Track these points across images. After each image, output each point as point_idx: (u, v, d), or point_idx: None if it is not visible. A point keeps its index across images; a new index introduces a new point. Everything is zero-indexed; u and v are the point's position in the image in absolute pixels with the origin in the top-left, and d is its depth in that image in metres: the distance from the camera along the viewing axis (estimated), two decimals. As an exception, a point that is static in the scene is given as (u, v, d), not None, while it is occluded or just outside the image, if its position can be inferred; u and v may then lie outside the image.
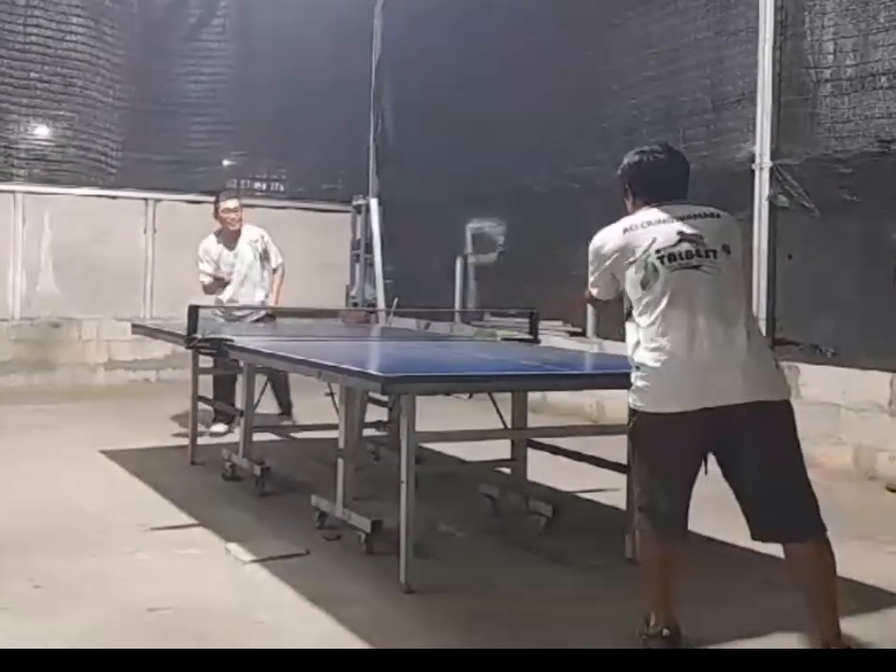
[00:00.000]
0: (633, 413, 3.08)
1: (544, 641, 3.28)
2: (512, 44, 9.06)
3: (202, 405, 6.32)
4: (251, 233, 7.23)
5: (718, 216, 3.16)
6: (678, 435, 2.96)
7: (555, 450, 4.77)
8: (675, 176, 3.24)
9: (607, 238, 3.20)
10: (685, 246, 3.03)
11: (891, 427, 5.90)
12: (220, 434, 6.73)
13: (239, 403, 6.29)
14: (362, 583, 3.87)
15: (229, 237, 7.15)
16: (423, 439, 4.07)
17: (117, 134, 10.10)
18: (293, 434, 6.46)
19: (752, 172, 6.77)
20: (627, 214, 3.25)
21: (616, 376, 4.55)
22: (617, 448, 4.25)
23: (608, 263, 3.17)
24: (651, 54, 7.73)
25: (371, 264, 10.27)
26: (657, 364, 2.95)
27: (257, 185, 11.06)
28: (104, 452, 6.25)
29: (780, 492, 2.95)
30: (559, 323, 8.36)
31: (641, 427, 3.06)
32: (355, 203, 10.67)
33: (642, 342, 3.02)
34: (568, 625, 3.46)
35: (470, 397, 6.06)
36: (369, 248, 10.26)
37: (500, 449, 5.10)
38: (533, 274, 8.58)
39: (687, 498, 3.04)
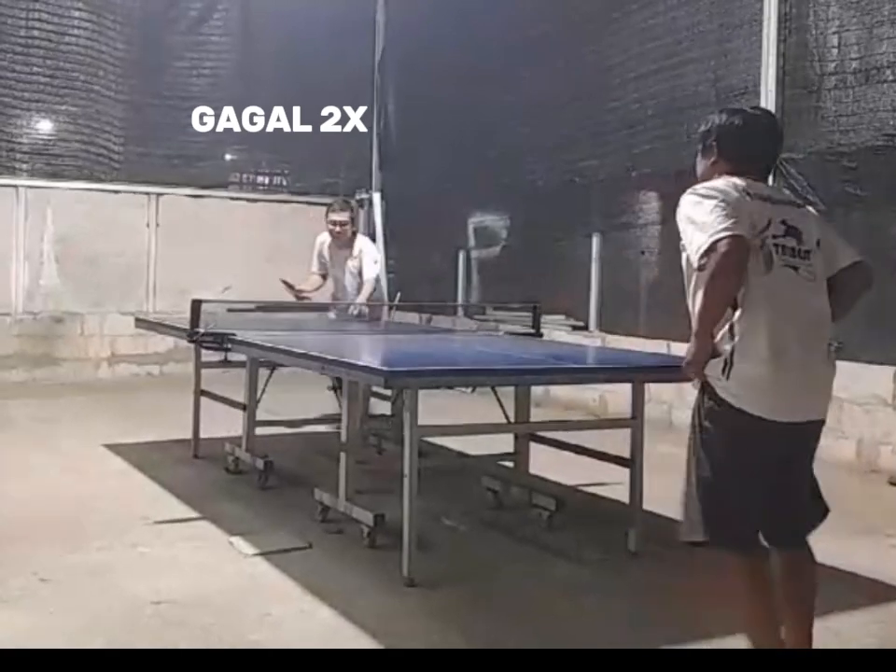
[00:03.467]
0: (716, 404, 2.68)
1: (547, 635, 3.28)
2: (515, 38, 9.05)
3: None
4: (354, 250, 6.91)
5: (808, 207, 2.89)
6: (767, 442, 2.69)
7: (558, 444, 4.76)
8: (773, 151, 2.91)
9: (723, 189, 2.66)
10: (791, 242, 2.69)
11: (894, 421, 5.90)
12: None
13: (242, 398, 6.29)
14: (365, 576, 3.88)
15: (335, 246, 6.94)
16: (425, 433, 4.07)
17: (119, 129, 10.11)
18: (296, 428, 6.46)
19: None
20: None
21: (618, 370, 4.58)
22: (619, 442, 4.25)
23: (742, 206, 2.61)
24: (654, 47, 7.72)
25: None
26: (758, 365, 2.60)
27: (259, 179, 11.06)
28: (107, 445, 6.26)
29: (803, 501, 2.89)
30: (562, 317, 8.36)
31: (731, 424, 2.67)
32: (358, 197, 10.66)
33: (748, 332, 2.61)
34: (571, 619, 3.46)
35: (473, 391, 6.06)
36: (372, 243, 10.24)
37: (503, 443, 5.10)
38: (535, 268, 8.58)
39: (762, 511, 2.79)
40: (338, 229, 6.80)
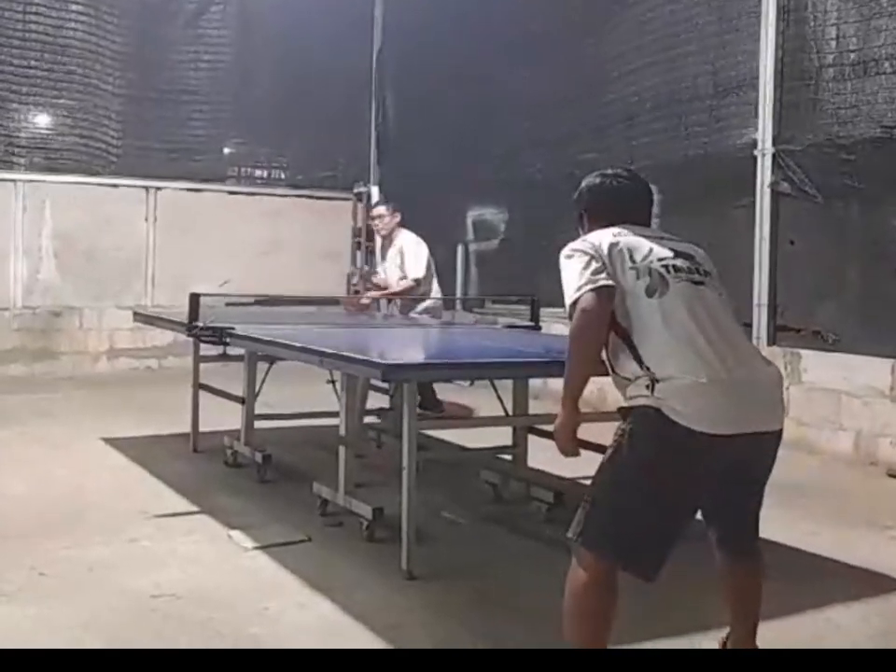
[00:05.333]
0: (642, 416, 2.55)
1: (546, 629, 3.28)
2: (514, 32, 9.04)
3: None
4: (398, 243, 7.14)
5: (697, 244, 2.83)
6: (701, 458, 2.52)
7: (557, 437, 4.76)
8: (640, 205, 2.90)
9: (596, 238, 2.70)
10: (682, 262, 2.67)
11: (892, 413, 5.90)
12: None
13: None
14: (364, 570, 3.88)
15: (382, 242, 7.34)
16: (424, 426, 4.07)
17: (117, 122, 10.10)
18: (294, 422, 6.46)
19: (754, 158, 6.75)
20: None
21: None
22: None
23: (604, 258, 2.62)
24: (652, 40, 7.71)
25: (372, 252, 10.26)
26: (685, 376, 2.48)
27: (257, 173, 11.05)
28: (106, 440, 6.26)
29: (749, 520, 2.80)
30: (560, 310, 8.33)
31: (657, 437, 2.52)
32: (356, 190, 10.66)
33: (658, 359, 2.53)
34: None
35: (472, 384, 6.06)
36: (370, 236, 10.26)
37: (502, 436, 5.10)
38: (534, 262, 8.57)
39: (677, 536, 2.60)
40: (376, 223, 7.24)
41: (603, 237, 2.70)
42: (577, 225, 2.97)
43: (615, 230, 2.74)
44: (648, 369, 2.54)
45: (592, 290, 2.56)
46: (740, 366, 2.56)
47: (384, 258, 7.31)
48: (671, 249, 2.71)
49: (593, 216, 2.88)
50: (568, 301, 2.62)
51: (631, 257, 2.64)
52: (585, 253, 2.65)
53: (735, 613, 2.85)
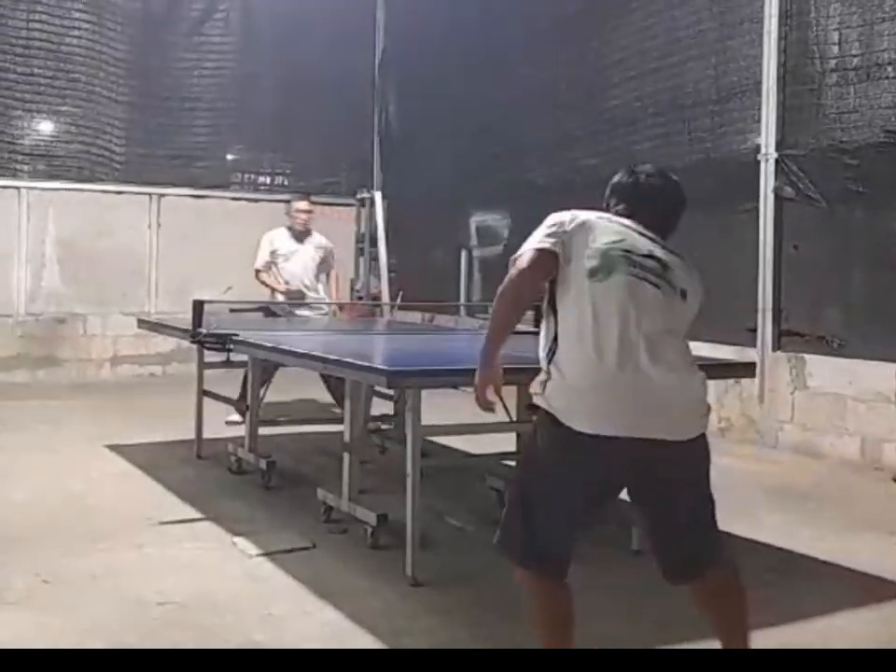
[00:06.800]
0: (541, 417, 2.59)
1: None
2: (517, 37, 9.04)
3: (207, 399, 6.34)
4: (319, 240, 7.53)
5: (688, 262, 2.70)
6: (592, 457, 2.50)
7: (561, 442, 4.75)
8: (656, 206, 2.76)
9: (578, 214, 2.67)
10: (651, 263, 2.59)
11: (898, 418, 5.90)
12: (238, 423, 6.67)
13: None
14: (368, 576, 3.87)
15: (297, 234, 7.46)
16: (428, 432, 4.06)
17: (120, 130, 10.11)
18: (298, 428, 6.46)
19: (758, 163, 6.75)
20: None
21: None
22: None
23: (567, 231, 2.60)
24: (654, 45, 7.71)
25: (375, 258, 10.24)
26: (582, 372, 2.50)
27: (260, 179, 11.06)
28: (109, 446, 6.26)
29: (686, 528, 2.65)
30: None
31: (551, 436, 2.55)
32: (359, 196, 10.65)
33: (566, 339, 2.55)
34: (576, 618, 3.45)
35: (476, 389, 6.01)
36: (373, 242, 10.24)
37: (506, 442, 5.09)
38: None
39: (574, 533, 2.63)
40: (303, 216, 7.42)
41: (587, 214, 2.68)
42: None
43: (604, 213, 2.73)
44: (553, 353, 2.57)
45: (533, 250, 2.61)
46: (647, 370, 2.49)
47: (287, 258, 7.39)
48: (650, 251, 2.61)
49: (611, 207, 2.82)
50: (516, 255, 2.67)
51: (597, 238, 2.60)
52: (555, 223, 2.65)
53: (717, 635, 2.74)
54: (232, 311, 7.02)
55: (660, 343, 2.54)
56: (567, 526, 2.61)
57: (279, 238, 7.44)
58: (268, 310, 7.34)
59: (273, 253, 7.40)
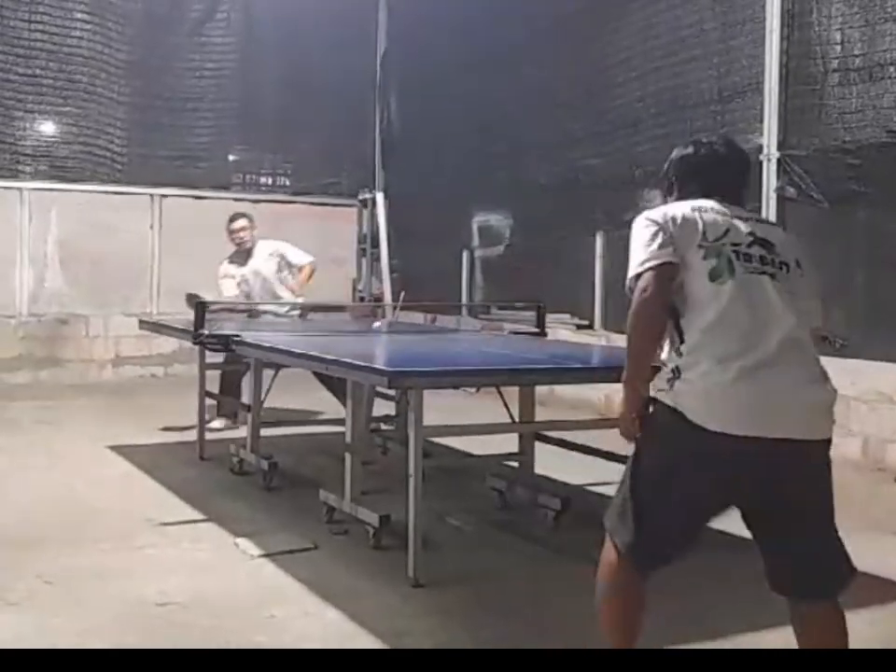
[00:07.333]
0: (663, 413, 2.52)
1: (553, 634, 3.27)
2: (518, 36, 9.04)
3: (209, 400, 6.34)
4: (265, 248, 7.35)
5: (783, 228, 2.68)
6: (715, 461, 2.44)
7: (563, 443, 4.76)
8: (730, 177, 2.73)
9: (668, 211, 2.58)
10: (758, 250, 2.54)
11: (900, 419, 5.88)
12: (219, 430, 6.72)
13: (245, 398, 6.30)
14: (370, 577, 3.87)
15: (241, 256, 7.32)
16: (430, 433, 4.06)
17: (122, 130, 10.12)
18: (300, 429, 6.46)
19: (760, 163, 6.73)
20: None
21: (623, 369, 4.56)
22: (625, 441, 4.23)
23: (672, 234, 2.50)
24: (656, 45, 7.71)
25: (377, 258, 10.24)
26: (711, 372, 2.42)
27: (262, 179, 11.07)
28: (112, 447, 6.26)
29: (811, 549, 2.55)
30: (566, 316, 8.35)
31: (677, 435, 2.48)
32: (361, 197, 10.64)
33: (692, 337, 2.48)
34: (577, 618, 3.45)
35: (478, 390, 6.05)
36: (375, 242, 10.23)
37: (508, 443, 5.09)
38: (539, 267, 8.57)
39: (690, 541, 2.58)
40: (241, 234, 7.26)
41: (679, 209, 2.59)
42: (665, 195, 2.84)
43: (695, 202, 2.63)
44: (680, 355, 2.48)
45: (652, 269, 2.48)
46: (776, 369, 2.45)
47: (239, 276, 7.24)
48: (750, 233, 2.57)
49: (679, 186, 2.76)
50: (630, 273, 2.54)
51: (704, 234, 2.53)
52: (655, 223, 2.54)
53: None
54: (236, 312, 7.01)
55: (787, 341, 2.48)
56: (683, 526, 2.55)
57: (231, 268, 7.30)
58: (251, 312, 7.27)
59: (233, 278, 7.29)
